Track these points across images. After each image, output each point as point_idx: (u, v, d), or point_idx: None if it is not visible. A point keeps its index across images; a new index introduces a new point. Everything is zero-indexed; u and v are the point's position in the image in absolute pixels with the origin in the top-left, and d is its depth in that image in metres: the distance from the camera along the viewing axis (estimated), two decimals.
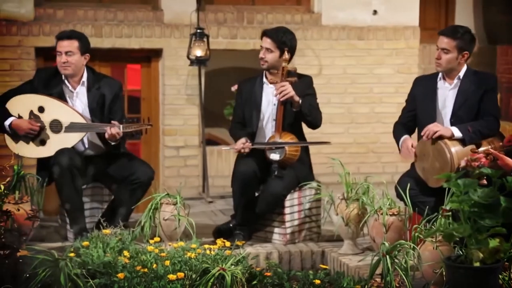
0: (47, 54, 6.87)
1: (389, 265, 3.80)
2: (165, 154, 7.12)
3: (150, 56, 7.17)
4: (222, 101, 7.24)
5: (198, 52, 6.79)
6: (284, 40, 5.04)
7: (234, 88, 6.87)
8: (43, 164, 5.00)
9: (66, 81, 5.02)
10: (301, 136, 5.18)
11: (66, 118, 4.91)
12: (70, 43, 4.96)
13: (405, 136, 4.79)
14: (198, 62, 6.83)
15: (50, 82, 5.01)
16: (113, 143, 4.92)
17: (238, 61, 7.42)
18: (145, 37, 6.99)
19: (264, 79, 5.18)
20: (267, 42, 5.05)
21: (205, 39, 6.79)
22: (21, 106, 4.95)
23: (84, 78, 5.05)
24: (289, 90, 4.91)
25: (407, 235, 4.45)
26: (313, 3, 7.39)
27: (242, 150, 4.99)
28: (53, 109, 4.93)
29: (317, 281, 4.23)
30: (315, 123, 5.10)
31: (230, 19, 7.18)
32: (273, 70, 5.11)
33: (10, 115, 4.94)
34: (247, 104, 5.19)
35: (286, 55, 5.01)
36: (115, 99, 5.08)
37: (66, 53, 4.95)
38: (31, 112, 4.94)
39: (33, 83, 5.05)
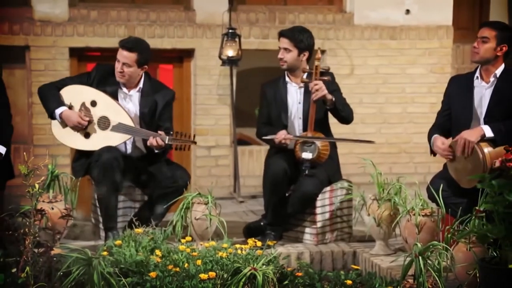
0: (80, 55, 6.96)
1: (422, 266, 3.77)
2: (197, 154, 7.15)
3: (182, 56, 7.21)
4: (253, 101, 7.24)
5: (230, 52, 6.81)
6: (301, 39, 5.04)
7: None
8: (81, 157, 5.04)
9: (121, 84, 5.05)
10: (328, 134, 5.17)
11: (116, 117, 4.95)
12: (129, 55, 4.93)
13: (435, 135, 4.74)
14: (230, 62, 6.85)
15: (107, 80, 5.04)
16: (156, 151, 4.95)
17: (270, 61, 7.40)
18: (177, 38, 7.03)
19: (287, 79, 5.18)
20: (285, 42, 5.05)
21: (237, 39, 6.81)
22: (75, 96, 4.99)
23: (141, 85, 5.08)
24: (323, 89, 4.91)
25: (440, 236, 4.41)
26: (345, 2, 7.36)
27: (283, 141, 4.99)
28: (105, 106, 4.96)
29: (349, 282, 4.21)
30: (348, 118, 5.10)
31: (262, 19, 7.19)
32: (294, 70, 5.10)
33: (63, 103, 4.98)
34: (272, 105, 5.20)
35: (319, 54, 5.01)
36: (166, 107, 5.10)
37: (124, 64, 4.96)
38: (83, 104, 4.97)
39: (90, 76, 5.08)
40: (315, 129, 5.02)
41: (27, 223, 4.07)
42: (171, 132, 4.94)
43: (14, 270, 4.04)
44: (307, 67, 5.09)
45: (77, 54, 6.92)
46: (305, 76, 5.10)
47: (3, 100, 4.81)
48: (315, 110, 5.00)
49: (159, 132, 4.91)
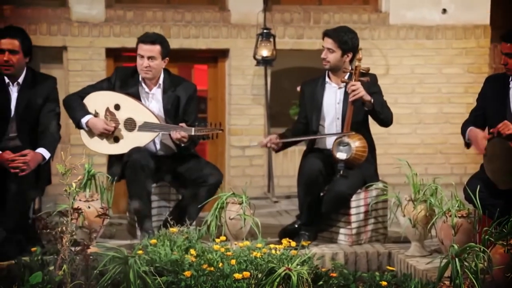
0: (117, 55, 7.02)
1: (459, 268, 3.74)
2: (231, 154, 7.16)
3: (216, 57, 7.23)
4: (287, 101, 7.24)
5: (264, 52, 6.81)
6: (346, 40, 5.02)
7: (299, 88, 6.87)
8: (115, 161, 5.09)
9: (142, 82, 5.09)
10: (368, 136, 5.14)
11: (141, 117, 4.99)
12: (153, 48, 4.98)
13: (471, 127, 4.69)
14: (264, 62, 6.85)
15: (127, 81, 5.09)
16: (182, 145, 4.97)
17: (304, 61, 7.41)
18: (212, 38, 7.06)
19: (327, 79, 5.17)
20: (329, 43, 5.04)
21: (271, 39, 6.81)
22: (98, 102, 5.05)
23: (161, 81, 5.11)
24: (360, 90, 4.89)
25: (477, 237, 4.36)
26: (380, 2, 7.32)
27: (269, 145, 5.02)
28: (129, 108, 5.01)
29: (384, 283, 4.19)
30: (387, 121, 5.07)
31: (297, 19, 7.18)
32: (336, 70, 5.09)
33: (88, 112, 5.04)
34: (309, 104, 5.19)
35: (360, 55, 4.99)
36: (189, 101, 5.13)
37: (149, 57, 4.99)
38: (107, 109, 5.03)
39: (111, 81, 5.14)
40: (353, 130, 4.99)
41: (64, 221, 4.12)
42: (196, 123, 4.95)
43: (51, 268, 4.10)
44: (349, 68, 5.07)
45: (113, 54, 6.99)
46: (346, 76, 5.07)
47: (54, 108, 4.87)
48: (353, 111, 4.97)
49: (181, 125, 4.93)
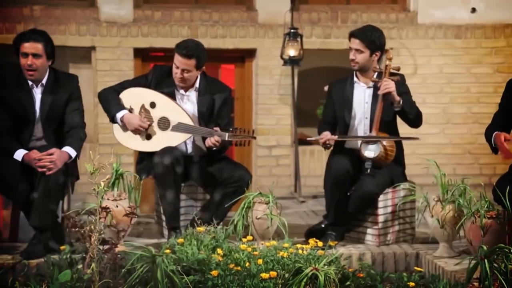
0: (145, 55, 7.06)
1: (488, 269, 3.71)
2: (258, 154, 7.17)
3: (244, 56, 7.24)
4: (314, 100, 7.23)
5: (292, 52, 6.80)
6: (373, 39, 4.99)
7: (327, 87, 6.85)
8: (144, 158, 5.12)
9: (178, 84, 5.11)
10: (397, 136, 5.11)
11: (175, 117, 5.01)
12: (189, 62, 4.96)
13: (496, 132, 4.63)
14: (292, 62, 6.85)
15: (164, 81, 5.10)
16: (214, 149, 4.98)
17: (332, 61, 7.40)
18: (239, 37, 7.07)
19: (355, 79, 5.14)
20: (356, 43, 5.01)
21: (298, 39, 6.80)
22: (134, 98, 5.07)
23: (197, 84, 5.12)
24: (391, 85, 4.87)
25: (506, 238, 4.32)
26: (409, 1, 7.28)
27: (328, 142, 4.97)
28: (164, 107, 5.03)
29: (412, 284, 4.16)
30: (416, 121, 5.05)
31: (324, 19, 7.16)
32: (365, 70, 5.07)
33: (123, 107, 5.06)
34: (338, 104, 5.17)
35: (391, 54, 4.97)
36: (223, 104, 5.13)
37: (183, 70, 4.99)
38: (143, 106, 5.05)
39: (148, 78, 5.16)
40: (381, 130, 4.97)
41: (93, 220, 4.15)
42: (231, 129, 4.96)
43: (80, 266, 4.13)
44: (378, 67, 5.04)
45: (141, 54, 7.03)
46: (375, 75, 5.05)
47: (78, 106, 4.91)
48: (382, 110, 4.95)
49: (215, 129, 4.93)
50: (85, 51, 6.97)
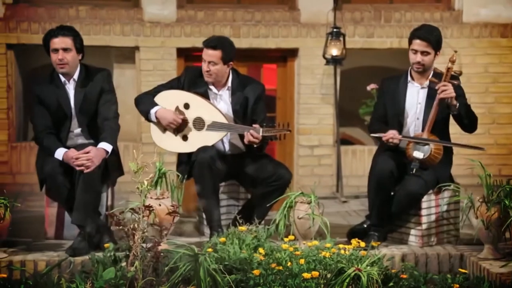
0: (187, 55, 7.11)
1: None
2: (299, 153, 7.16)
3: (286, 56, 7.24)
4: (357, 100, 7.19)
5: (334, 51, 6.78)
6: (437, 39, 4.92)
7: (370, 87, 6.81)
8: (183, 160, 5.16)
9: (210, 84, 5.13)
10: (448, 138, 5.05)
11: (209, 116, 5.03)
12: (214, 53, 5.00)
13: None
14: (334, 61, 6.82)
15: (196, 81, 5.14)
16: (254, 146, 4.99)
17: (375, 60, 7.35)
18: (282, 37, 7.07)
19: (409, 78, 5.07)
20: (423, 45, 4.87)
21: (341, 38, 6.78)
22: (168, 101, 5.11)
23: (229, 83, 5.14)
24: (451, 90, 4.80)
25: None
26: (453, 0, 7.19)
27: (391, 140, 4.91)
28: (198, 107, 5.06)
29: (456, 286, 4.12)
30: (472, 126, 4.99)
31: (367, 18, 7.12)
32: (426, 71, 4.98)
33: (157, 104, 5.08)
34: (389, 102, 5.11)
35: (454, 57, 4.87)
36: (257, 102, 5.14)
37: (209, 62, 5.04)
38: (177, 108, 5.10)
39: (180, 80, 5.21)
40: (432, 132, 4.91)
41: (136, 219, 4.19)
42: (264, 123, 4.95)
43: (123, 264, 4.17)
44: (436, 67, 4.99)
45: (184, 54, 7.08)
46: (430, 74, 4.97)
47: (110, 98, 4.97)
48: (437, 113, 4.89)
49: (253, 126, 4.94)
50: (129, 51, 7.05)
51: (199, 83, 5.12)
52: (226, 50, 5.02)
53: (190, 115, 5.07)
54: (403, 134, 5.01)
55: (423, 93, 5.01)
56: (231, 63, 5.08)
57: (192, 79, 5.15)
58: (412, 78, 5.04)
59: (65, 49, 4.80)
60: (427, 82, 4.98)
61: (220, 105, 5.12)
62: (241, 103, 5.11)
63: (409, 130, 5.05)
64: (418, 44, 4.89)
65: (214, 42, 5.04)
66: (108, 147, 4.78)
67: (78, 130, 4.92)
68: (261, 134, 4.88)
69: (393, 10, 7.15)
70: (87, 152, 4.66)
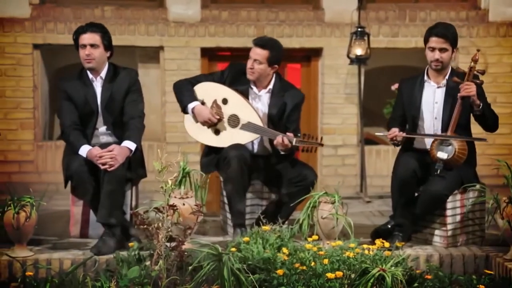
0: (211, 54, 7.12)
1: None
2: (323, 153, 7.14)
3: (310, 56, 7.23)
4: (381, 100, 7.16)
5: (358, 51, 6.76)
6: (455, 36, 4.90)
7: (394, 87, 6.77)
8: (211, 153, 5.16)
9: (252, 83, 5.14)
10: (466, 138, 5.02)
11: (246, 116, 5.04)
12: (261, 52, 5.01)
13: None
14: (358, 61, 6.80)
15: (239, 79, 5.15)
16: (282, 152, 4.99)
17: (399, 60, 7.31)
18: (306, 37, 7.06)
19: (425, 78, 5.06)
20: (440, 42, 4.86)
21: (365, 38, 6.75)
22: (208, 92, 5.12)
23: (271, 85, 5.14)
24: (473, 89, 4.77)
25: None
26: None
27: (395, 138, 4.91)
28: (236, 104, 5.07)
29: (481, 287, 4.10)
30: (494, 126, 4.95)
31: (392, 17, 7.09)
32: (443, 69, 4.96)
33: (196, 99, 5.12)
34: (407, 102, 5.10)
35: (477, 56, 4.83)
36: (294, 109, 5.14)
37: (255, 60, 5.04)
38: (215, 101, 5.11)
39: (223, 75, 5.22)
40: (455, 131, 4.87)
41: (160, 218, 4.21)
42: (299, 134, 4.95)
43: (148, 263, 4.20)
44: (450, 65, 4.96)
45: (208, 54, 7.09)
46: (447, 75, 4.95)
47: (136, 98, 4.99)
48: (460, 113, 4.85)
49: (288, 134, 4.94)
50: (153, 51, 7.08)
51: (242, 81, 5.13)
52: (273, 51, 5.05)
53: (227, 111, 5.08)
54: (420, 133, 5.00)
55: (440, 92, 4.99)
56: (276, 66, 5.09)
57: (235, 76, 5.16)
58: (429, 78, 5.02)
59: (93, 45, 4.85)
60: (444, 81, 4.97)
61: (258, 105, 5.14)
62: (279, 108, 5.12)
63: (427, 130, 5.02)
64: (435, 41, 4.88)
65: (263, 42, 5.09)
66: (132, 145, 4.81)
67: (103, 128, 4.95)
68: (294, 143, 4.88)
69: (418, 9, 7.11)
70: (111, 151, 4.69)
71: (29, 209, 4.54)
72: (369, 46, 6.76)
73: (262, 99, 5.15)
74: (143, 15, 6.96)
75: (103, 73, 4.94)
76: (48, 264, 4.50)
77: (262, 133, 5.03)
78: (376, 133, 5.17)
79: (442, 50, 4.88)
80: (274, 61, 5.05)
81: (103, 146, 4.79)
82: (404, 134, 4.94)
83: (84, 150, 4.75)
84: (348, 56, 6.82)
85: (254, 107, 5.08)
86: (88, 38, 4.85)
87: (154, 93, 6.91)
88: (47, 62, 7.13)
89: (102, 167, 4.67)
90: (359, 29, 6.75)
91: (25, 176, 6.80)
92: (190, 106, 5.08)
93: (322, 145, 4.99)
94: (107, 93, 4.91)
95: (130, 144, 4.80)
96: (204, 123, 5.08)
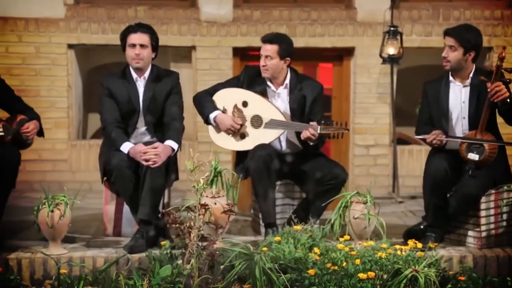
0: (243, 54, 7.13)
1: None
2: (355, 153, 7.12)
3: (342, 55, 7.21)
4: (414, 99, 7.10)
5: (391, 50, 6.72)
6: (468, 38, 4.85)
7: None
8: (241, 158, 5.18)
9: (268, 81, 5.15)
10: (497, 135, 4.97)
11: (267, 114, 5.05)
12: (271, 47, 5.04)
13: None
14: (391, 60, 6.76)
15: (255, 80, 5.16)
16: (311, 144, 4.99)
17: (432, 59, 7.24)
18: (338, 36, 7.04)
19: (451, 78, 5.02)
20: (449, 41, 4.88)
21: (398, 37, 6.71)
22: (227, 99, 5.16)
23: (287, 81, 5.15)
24: (504, 90, 4.72)
25: None
26: None
27: (435, 142, 4.87)
28: (256, 105, 5.08)
29: None
30: None
31: (425, 16, 7.04)
32: (458, 70, 4.93)
33: (216, 108, 5.15)
34: (433, 104, 5.06)
35: (503, 53, 4.80)
36: (315, 101, 5.14)
37: (266, 56, 5.07)
38: (235, 106, 5.13)
39: (240, 79, 5.25)
40: (484, 131, 4.83)
41: (192, 217, 4.23)
42: (322, 121, 4.94)
43: (179, 261, 4.22)
44: (471, 66, 4.91)
45: (240, 53, 7.11)
46: (471, 74, 4.91)
47: (177, 100, 5.04)
48: (489, 113, 4.80)
49: (311, 123, 4.93)
50: (185, 51, 7.12)
51: (258, 82, 5.15)
52: (283, 45, 5.06)
53: (248, 113, 5.10)
54: (449, 134, 4.95)
55: (466, 92, 4.95)
56: (287, 59, 5.09)
57: (251, 78, 5.18)
58: (454, 78, 4.99)
59: (142, 45, 4.90)
60: (469, 80, 4.94)
61: (278, 103, 5.14)
62: (299, 102, 5.12)
63: (456, 130, 4.98)
64: (446, 39, 4.92)
65: (271, 37, 5.12)
66: (175, 145, 4.86)
67: (143, 129, 5.00)
68: (318, 131, 4.88)
69: (452, 8, 7.05)
70: (156, 148, 4.73)
71: (63, 208, 4.59)
72: (402, 45, 6.72)
73: (281, 96, 5.15)
74: (175, 15, 7.00)
75: (147, 74, 4.99)
76: (82, 262, 4.55)
77: (286, 127, 5.04)
78: (416, 136, 5.12)
79: (450, 48, 4.88)
80: (285, 54, 5.06)
81: (145, 144, 4.83)
82: (444, 137, 4.89)
83: (126, 147, 4.79)
84: (380, 56, 6.79)
85: (275, 105, 5.09)
86: (138, 38, 4.90)
87: (186, 92, 6.86)
88: (81, 62, 7.21)
89: (146, 164, 4.70)
90: (391, 28, 6.71)
91: (59, 175, 6.89)
92: (212, 116, 5.11)
93: (347, 129, 4.99)
94: (149, 93, 4.95)
95: (173, 144, 4.85)
96: (227, 131, 5.10)
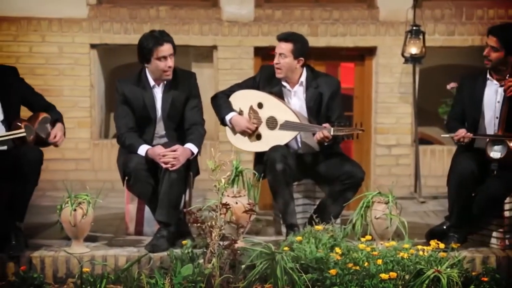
0: (265, 54, 7.13)
1: None
2: (377, 153, 7.09)
3: (363, 54, 7.18)
4: (436, 99, 7.06)
5: (413, 49, 6.68)
6: (510, 39, 4.80)
7: (450, 86, 6.68)
8: (260, 158, 5.18)
9: (284, 81, 5.14)
10: None
11: (282, 116, 5.05)
12: (285, 46, 5.03)
13: None
14: (413, 59, 6.72)
15: (271, 80, 5.16)
16: (325, 144, 4.97)
17: (455, 59, 7.20)
18: (360, 35, 7.01)
19: (488, 76, 4.97)
20: (492, 40, 4.83)
21: (420, 36, 6.67)
22: (243, 100, 5.17)
23: (303, 79, 5.13)
24: None
25: None
26: None
27: (462, 139, 4.83)
28: (271, 106, 5.09)
29: None
30: None
31: (448, 15, 6.99)
32: (498, 69, 4.89)
33: (232, 109, 5.16)
34: (467, 101, 5.01)
35: None
36: (332, 97, 5.12)
37: (280, 54, 5.05)
38: (251, 107, 5.14)
39: (256, 79, 5.25)
40: (506, 129, 4.78)
41: (213, 216, 4.24)
42: (335, 123, 4.91)
43: (201, 261, 4.23)
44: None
45: (261, 53, 7.10)
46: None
47: (197, 104, 5.04)
48: (509, 110, 4.77)
49: (324, 125, 4.91)
50: (207, 50, 7.13)
51: (274, 81, 5.15)
52: (297, 44, 5.04)
53: (264, 114, 5.10)
54: (480, 133, 4.91)
55: (502, 91, 4.89)
56: (301, 59, 5.07)
57: (267, 78, 5.18)
58: (492, 76, 4.94)
59: (171, 55, 4.88)
60: None
61: (294, 101, 5.13)
62: (315, 100, 5.10)
63: (488, 128, 4.93)
64: (489, 38, 4.87)
65: (286, 35, 5.10)
66: (194, 149, 4.86)
67: (163, 134, 5.01)
68: (332, 133, 4.85)
69: (475, 7, 6.99)
70: (174, 150, 4.74)
71: (86, 206, 4.62)
72: (424, 44, 6.68)
73: (297, 95, 5.13)
74: (197, 15, 7.02)
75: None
76: (104, 261, 4.58)
77: (300, 129, 5.03)
78: (442, 135, 5.08)
79: (492, 48, 4.83)
80: (299, 53, 5.03)
81: (163, 146, 4.83)
82: (472, 135, 4.85)
83: (143, 149, 4.80)
84: (402, 55, 6.75)
85: (291, 105, 5.08)
86: (167, 49, 4.84)
87: (207, 92, 6.90)
88: (103, 62, 7.25)
89: (164, 166, 4.71)
90: (414, 28, 6.67)
91: (81, 174, 6.94)
92: (228, 117, 5.12)
93: (362, 130, 4.97)
94: (168, 99, 4.94)
95: (192, 147, 4.85)
96: (243, 132, 5.11)
